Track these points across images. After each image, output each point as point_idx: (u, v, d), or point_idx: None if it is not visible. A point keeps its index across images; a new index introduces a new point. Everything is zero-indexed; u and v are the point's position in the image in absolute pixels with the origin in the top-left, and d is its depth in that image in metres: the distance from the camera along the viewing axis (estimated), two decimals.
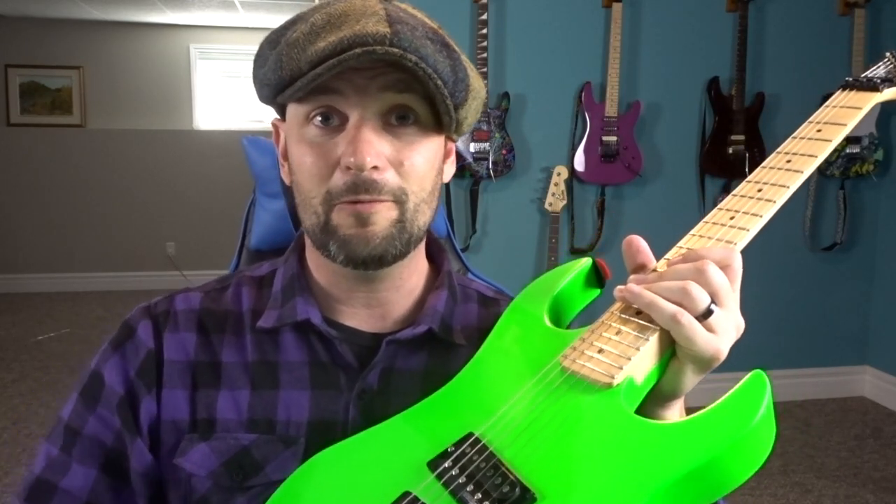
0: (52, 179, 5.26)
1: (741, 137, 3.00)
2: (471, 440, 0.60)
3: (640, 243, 0.64)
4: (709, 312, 0.56)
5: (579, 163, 2.92)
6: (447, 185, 2.84)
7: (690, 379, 0.60)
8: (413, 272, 0.76)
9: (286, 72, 0.65)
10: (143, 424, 0.71)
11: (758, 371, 0.56)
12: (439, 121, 0.69)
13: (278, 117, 0.75)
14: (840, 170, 3.12)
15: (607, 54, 2.89)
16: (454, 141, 0.77)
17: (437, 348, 0.74)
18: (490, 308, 0.81)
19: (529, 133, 2.94)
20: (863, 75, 0.76)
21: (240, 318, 0.75)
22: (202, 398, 0.71)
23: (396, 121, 0.67)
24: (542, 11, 2.88)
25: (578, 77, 2.93)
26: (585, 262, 0.71)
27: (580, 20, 2.92)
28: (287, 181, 0.74)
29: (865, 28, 3.06)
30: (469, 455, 0.59)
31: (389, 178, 0.66)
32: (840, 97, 0.75)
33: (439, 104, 0.66)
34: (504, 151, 2.85)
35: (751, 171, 0.69)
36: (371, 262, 0.68)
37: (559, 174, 2.86)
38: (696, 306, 0.56)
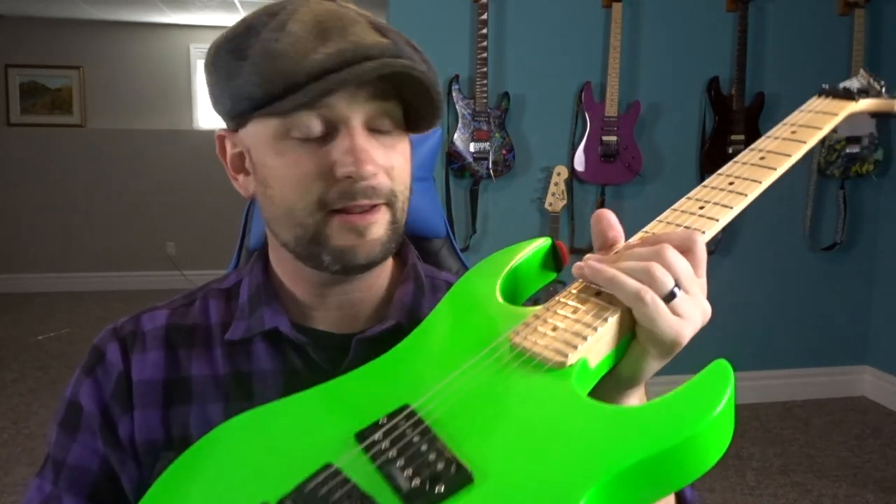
0: (52, 179, 5.26)
1: (741, 137, 3.00)
2: (406, 412, 0.55)
3: (612, 218, 0.61)
4: (672, 295, 0.54)
5: (579, 163, 2.92)
6: (447, 184, 2.85)
7: (651, 365, 0.57)
8: (383, 269, 0.77)
9: (276, 85, 0.63)
10: (125, 445, 0.71)
11: (721, 360, 0.52)
12: (407, 122, 0.71)
13: (225, 128, 0.72)
14: (840, 170, 3.11)
15: (607, 54, 2.89)
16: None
17: None
18: None
19: (529, 133, 2.94)
20: (839, 85, 0.77)
21: (208, 332, 0.75)
22: (175, 416, 0.71)
23: (380, 126, 0.68)
24: (542, 11, 2.88)
25: (578, 77, 2.92)
26: (544, 242, 0.69)
27: (580, 20, 2.92)
28: (244, 194, 0.73)
29: (865, 28, 3.06)
30: (402, 428, 0.54)
31: (383, 182, 0.68)
32: (816, 103, 0.76)
33: (438, 106, 0.68)
34: (504, 151, 2.85)
35: None
36: (367, 267, 0.69)
37: (559, 174, 2.86)
38: (659, 287, 0.54)
